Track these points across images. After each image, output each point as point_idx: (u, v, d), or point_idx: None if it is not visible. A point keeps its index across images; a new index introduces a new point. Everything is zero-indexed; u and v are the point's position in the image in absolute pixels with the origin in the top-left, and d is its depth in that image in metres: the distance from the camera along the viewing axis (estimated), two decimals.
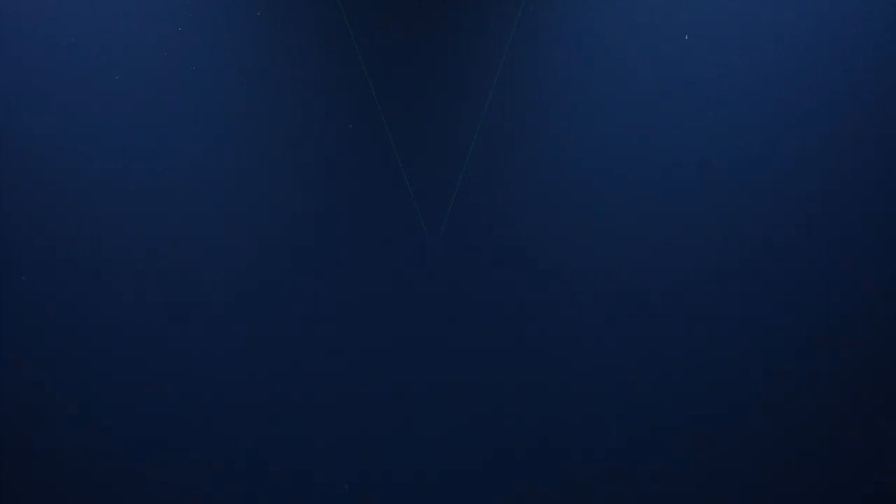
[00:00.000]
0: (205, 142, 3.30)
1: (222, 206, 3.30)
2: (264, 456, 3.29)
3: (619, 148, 3.25)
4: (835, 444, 3.15)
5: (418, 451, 3.30)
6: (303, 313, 3.32)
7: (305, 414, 3.31)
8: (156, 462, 3.26)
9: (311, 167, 3.32)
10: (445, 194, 3.31)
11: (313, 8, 3.29)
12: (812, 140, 3.17)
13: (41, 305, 3.27)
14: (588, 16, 3.24)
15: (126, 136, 3.28)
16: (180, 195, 3.30)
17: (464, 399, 3.30)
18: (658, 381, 3.24)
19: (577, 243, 3.27)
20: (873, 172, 3.14)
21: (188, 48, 3.28)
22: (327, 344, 3.33)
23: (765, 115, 3.19)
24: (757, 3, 3.17)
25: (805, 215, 3.18)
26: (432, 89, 3.31)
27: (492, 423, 3.29)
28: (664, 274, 3.24)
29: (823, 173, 3.17)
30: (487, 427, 3.29)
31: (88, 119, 3.27)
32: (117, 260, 3.28)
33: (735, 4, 3.18)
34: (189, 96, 3.29)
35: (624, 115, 3.25)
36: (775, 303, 3.19)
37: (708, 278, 3.22)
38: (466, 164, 3.30)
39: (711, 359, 3.22)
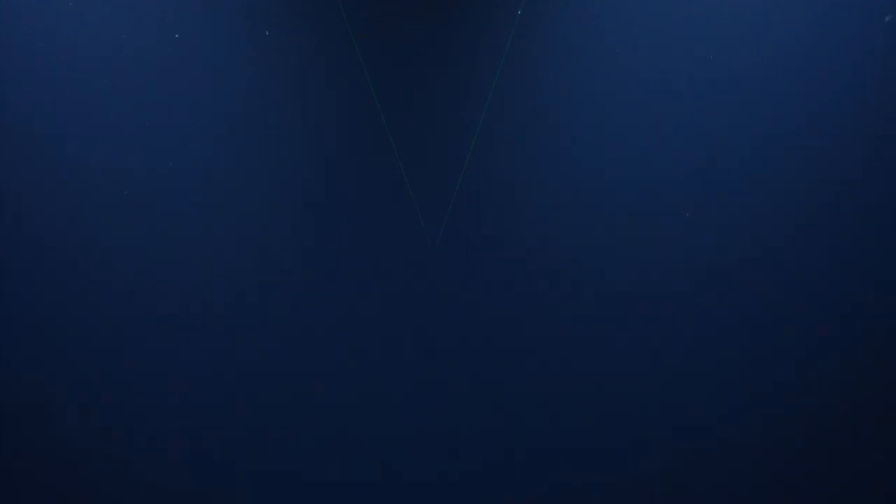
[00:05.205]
0: (205, 142, 3.30)
1: (222, 207, 3.31)
2: (263, 455, 3.30)
3: (619, 148, 3.25)
4: (835, 444, 3.15)
5: (415, 450, 3.31)
6: (302, 313, 3.33)
7: (304, 414, 3.32)
8: (155, 461, 3.28)
9: (311, 167, 3.32)
10: (445, 195, 3.31)
11: (313, 8, 3.29)
12: (812, 140, 3.16)
13: (39, 305, 3.27)
14: (588, 15, 3.24)
15: (126, 137, 3.28)
16: (180, 196, 3.30)
17: (463, 399, 3.31)
18: (660, 382, 3.24)
19: (577, 243, 3.28)
20: (874, 172, 3.14)
21: (190, 49, 3.28)
22: (327, 343, 3.34)
23: (765, 115, 3.18)
24: (757, 4, 3.17)
25: (805, 215, 3.18)
26: (432, 90, 3.31)
27: (491, 424, 3.30)
28: (664, 275, 3.24)
29: (823, 173, 3.17)
30: (486, 427, 3.30)
31: (90, 119, 3.27)
32: (116, 259, 3.29)
33: (735, 4, 3.18)
34: (189, 97, 3.29)
35: (624, 116, 3.25)
36: (776, 302, 3.19)
37: (708, 279, 3.22)
38: (466, 165, 3.30)
39: (712, 359, 3.22)
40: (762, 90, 3.17)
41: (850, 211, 3.15)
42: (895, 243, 3.12)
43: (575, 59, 3.25)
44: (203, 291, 3.30)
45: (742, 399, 3.20)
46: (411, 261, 3.33)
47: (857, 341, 3.14)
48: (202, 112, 3.29)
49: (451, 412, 3.31)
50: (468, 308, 3.32)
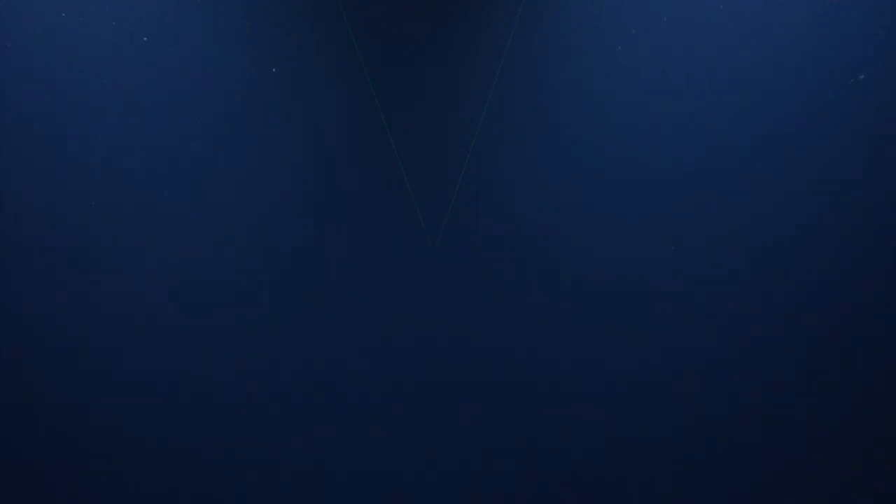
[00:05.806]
0: (205, 142, 3.30)
1: (222, 207, 3.31)
2: (262, 454, 3.30)
3: (619, 148, 3.25)
4: (835, 444, 3.15)
5: (414, 449, 3.31)
6: (302, 312, 3.33)
7: (303, 413, 3.32)
8: (155, 460, 3.28)
9: (311, 167, 3.32)
10: (445, 195, 3.31)
11: (313, 8, 3.29)
12: (812, 140, 3.16)
13: (39, 305, 3.28)
14: (588, 15, 3.24)
15: (126, 137, 3.28)
16: (180, 196, 3.30)
17: (463, 398, 3.31)
18: (659, 382, 3.24)
19: (577, 243, 3.28)
20: (874, 172, 3.14)
21: (190, 49, 3.28)
22: (326, 343, 3.34)
23: (765, 115, 3.19)
24: (757, 4, 3.17)
25: (805, 215, 3.18)
26: (432, 90, 3.31)
27: (491, 423, 3.30)
28: (664, 275, 3.24)
29: (823, 173, 3.17)
30: (486, 426, 3.30)
31: (90, 119, 3.28)
32: (116, 259, 3.29)
33: (735, 4, 3.18)
34: (189, 97, 3.29)
35: (624, 116, 3.25)
36: (776, 302, 3.19)
37: (708, 279, 3.22)
38: (466, 165, 3.30)
39: (712, 359, 3.22)
40: (762, 90, 3.17)
41: (850, 211, 3.14)
42: (895, 243, 3.12)
43: (575, 59, 3.25)
44: (203, 291, 3.30)
45: (742, 399, 3.20)
46: (411, 261, 3.33)
47: (857, 341, 3.14)
48: (202, 112, 3.29)
49: (450, 411, 3.31)
50: (468, 308, 3.31)
